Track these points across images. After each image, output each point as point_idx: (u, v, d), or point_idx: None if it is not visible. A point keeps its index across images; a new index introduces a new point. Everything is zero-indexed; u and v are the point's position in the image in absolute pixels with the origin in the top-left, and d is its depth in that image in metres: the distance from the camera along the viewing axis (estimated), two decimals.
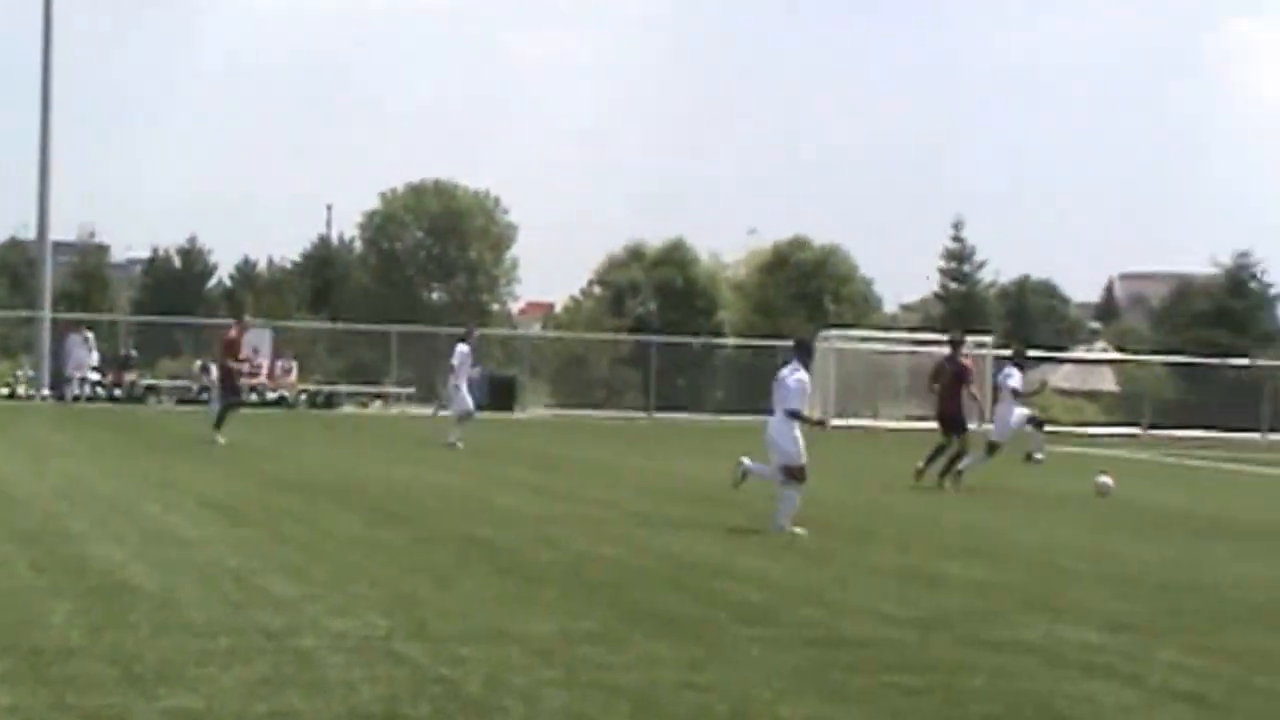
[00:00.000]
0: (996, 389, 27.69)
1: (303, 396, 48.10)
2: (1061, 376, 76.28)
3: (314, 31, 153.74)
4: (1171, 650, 10.94)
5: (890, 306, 79.46)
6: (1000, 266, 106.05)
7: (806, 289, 69.01)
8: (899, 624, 11.63)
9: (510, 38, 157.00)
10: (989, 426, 26.47)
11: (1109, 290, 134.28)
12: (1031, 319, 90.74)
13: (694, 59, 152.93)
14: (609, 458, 30.09)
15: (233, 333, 31.34)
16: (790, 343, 19.54)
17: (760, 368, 53.30)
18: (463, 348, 32.01)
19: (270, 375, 47.56)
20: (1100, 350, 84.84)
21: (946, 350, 27.03)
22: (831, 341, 52.83)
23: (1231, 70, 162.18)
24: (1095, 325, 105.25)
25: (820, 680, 9.57)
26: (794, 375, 17.74)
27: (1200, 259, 71.89)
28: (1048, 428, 29.75)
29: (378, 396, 50.60)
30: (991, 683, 9.63)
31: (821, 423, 18.27)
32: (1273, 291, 69.66)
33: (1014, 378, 26.65)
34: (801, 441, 17.66)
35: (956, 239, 71.28)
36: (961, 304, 69.14)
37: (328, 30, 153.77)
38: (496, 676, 9.23)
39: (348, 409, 48.00)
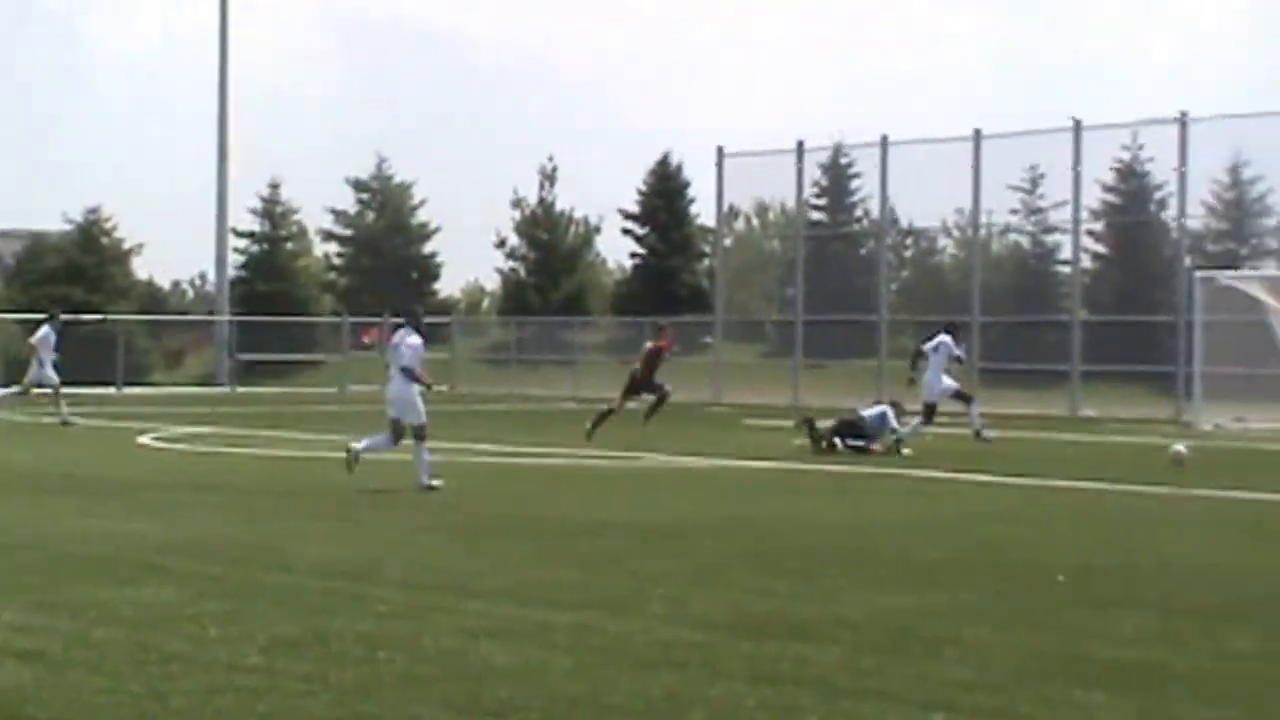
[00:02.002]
0: (918, 355, 29.19)
1: None
2: None
3: None
4: (13, 610, 10.83)
5: None
6: None
7: None
8: None
9: None
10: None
11: None
12: None
13: None
14: None
15: None
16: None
17: None
18: (46, 330, 34.86)
19: None
20: None
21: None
22: None
23: (77, 22, 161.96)
24: None
25: None
26: (408, 339, 19.89)
27: (53, 216, 71.45)
28: None
29: None
30: None
31: (430, 385, 20.34)
32: (125, 246, 70.41)
33: (950, 346, 28.46)
34: (421, 402, 19.73)
35: None
36: None
37: None
38: None
39: None
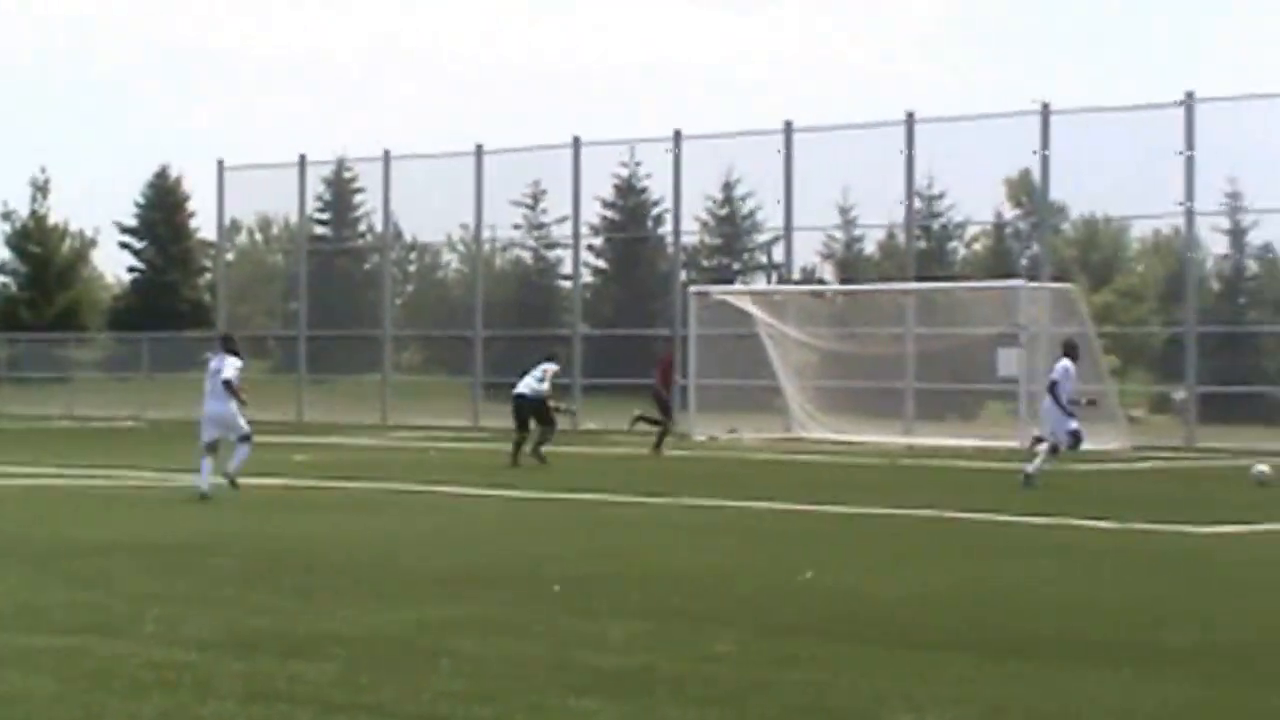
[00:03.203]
0: (1052, 386, 24.70)
1: None
2: None
3: None
4: None
5: None
6: None
7: None
8: None
9: None
10: None
11: None
12: None
13: None
14: None
15: None
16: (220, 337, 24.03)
17: None
18: None
19: None
20: None
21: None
22: None
23: None
24: None
25: None
26: (229, 360, 21.96)
27: None
28: None
29: None
30: None
31: (242, 402, 22.44)
32: None
33: (1067, 373, 24.88)
34: (240, 414, 22.03)
35: None
36: None
37: None
38: None
39: None
